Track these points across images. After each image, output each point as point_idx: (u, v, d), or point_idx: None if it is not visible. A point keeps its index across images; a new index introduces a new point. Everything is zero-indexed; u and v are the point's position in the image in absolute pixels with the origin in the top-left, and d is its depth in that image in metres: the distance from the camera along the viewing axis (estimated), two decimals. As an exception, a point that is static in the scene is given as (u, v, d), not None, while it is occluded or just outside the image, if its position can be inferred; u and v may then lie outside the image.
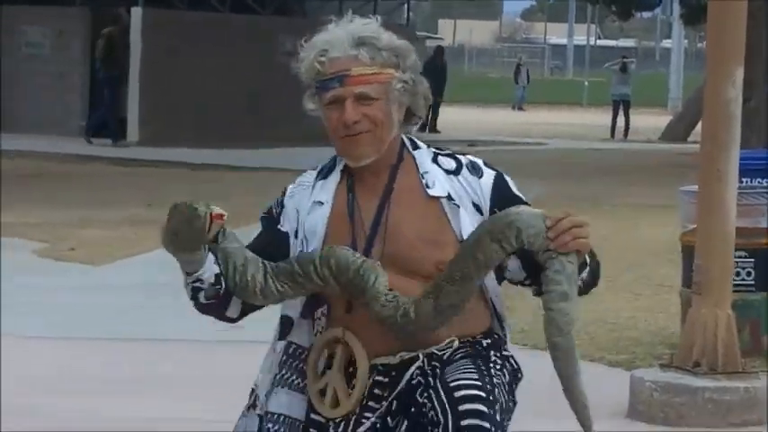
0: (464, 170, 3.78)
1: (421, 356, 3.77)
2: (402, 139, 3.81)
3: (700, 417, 8.29)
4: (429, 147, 3.83)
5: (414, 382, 3.81)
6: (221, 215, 3.56)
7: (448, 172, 3.77)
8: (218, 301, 3.70)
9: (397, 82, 3.69)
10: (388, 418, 3.85)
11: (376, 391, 3.85)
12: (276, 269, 3.67)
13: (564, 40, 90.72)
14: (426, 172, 3.75)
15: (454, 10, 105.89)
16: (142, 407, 8.57)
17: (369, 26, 3.75)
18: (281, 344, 3.89)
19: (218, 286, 3.67)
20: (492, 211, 3.71)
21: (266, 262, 3.67)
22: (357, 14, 4.04)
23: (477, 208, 3.79)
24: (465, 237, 3.71)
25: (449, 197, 3.73)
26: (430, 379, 3.80)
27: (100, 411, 8.44)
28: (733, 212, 8.74)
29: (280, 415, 3.87)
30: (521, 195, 3.80)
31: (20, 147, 24.99)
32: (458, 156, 3.83)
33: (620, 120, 36.34)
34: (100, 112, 27.41)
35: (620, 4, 28.98)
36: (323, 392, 3.80)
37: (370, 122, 3.66)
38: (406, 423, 3.84)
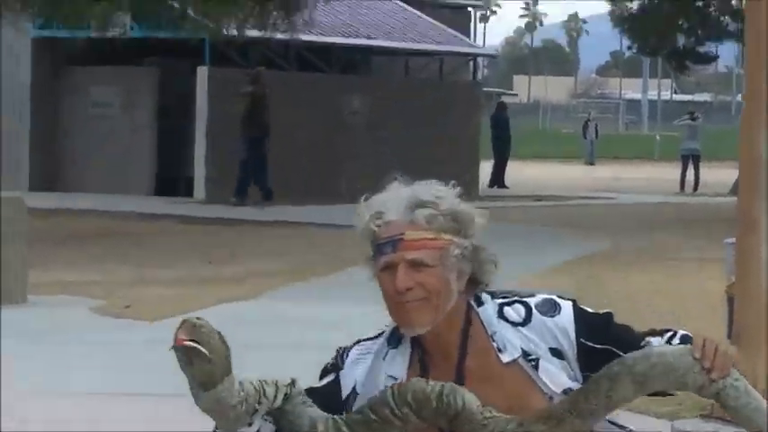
0: (534, 315, 3.48)
1: None
2: (468, 302, 3.52)
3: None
4: (493, 298, 3.53)
5: None
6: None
7: (516, 324, 3.49)
8: None
9: (455, 248, 3.43)
10: None
11: None
12: (349, 420, 3.36)
13: (639, 95, 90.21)
14: (495, 332, 3.48)
15: (530, 66, 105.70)
16: None
17: (429, 189, 3.50)
18: None
19: None
20: (579, 342, 3.46)
21: (335, 417, 3.37)
22: (421, 71, 3.82)
23: (556, 352, 3.51)
24: (554, 389, 3.46)
25: (524, 355, 3.46)
26: None
27: None
28: (765, 263, 8.76)
29: None
30: (601, 312, 3.56)
31: (88, 206, 25.10)
32: (525, 299, 3.52)
33: (691, 174, 36.29)
34: (243, 179, 26.91)
35: (677, 58, 28.79)
36: None
37: (424, 290, 3.39)
38: None
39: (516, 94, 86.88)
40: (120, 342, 12.59)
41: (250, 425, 3.32)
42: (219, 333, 3.21)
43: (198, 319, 3.19)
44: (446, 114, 30.70)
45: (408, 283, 3.37)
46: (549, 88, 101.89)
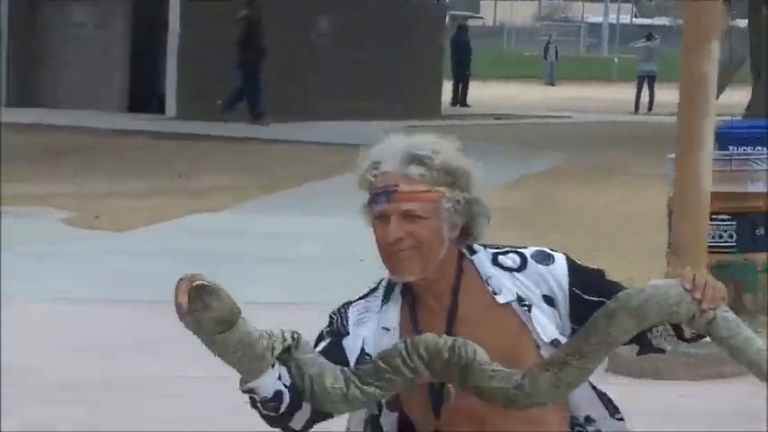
0: (530, 262, 3.51)
1: None
2: (459, 251, 3.54)
3: (675, 371, 8.42)
4: (486, 248, 3.56)
5: None
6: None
7: (511, 270, 3.51)
8: (282, 415, 3.41)
9: (447, 201, 3.43)
10: None
11: None
12: (358, 372, 3.37)
13: (600, 19, 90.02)
14: (490, 277, 3.49)
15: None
16: (160, 365, 8.67)
17: (426, 142, 3.50)
18: None
19: (279, 401, 3.37)
20: (572, 293, 3.49)
21: (344, 368, 3.38)
22: None
23: (549, 299, 3.53)
24: (543, 338, 3.50)
25: (519, 300, 3.48)
26: None
27: (121, 369, 8.55)
28: (707, 178, 8.78)
29: None
30: (593, 267, 3.58)
31: (62, 122, 25.02)
32: (519, 250, 3.56)
33: (646, 95, 36.26)
34: (238, 92, 26.70)
35: None
36: None
37: (415, 240, 3.42)
38: None
39: (482, 18, 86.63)
40: (89, 252, 12.58)
41: (273, 366, 3.30)
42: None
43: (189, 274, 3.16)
44: (410, 35, 30.58)
45: (400, 234, 3.39)
46: (514, 12, 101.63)
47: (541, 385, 3.29)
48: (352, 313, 3.54)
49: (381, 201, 3.41)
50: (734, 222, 9.97)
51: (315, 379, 3.30)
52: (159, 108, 27.71)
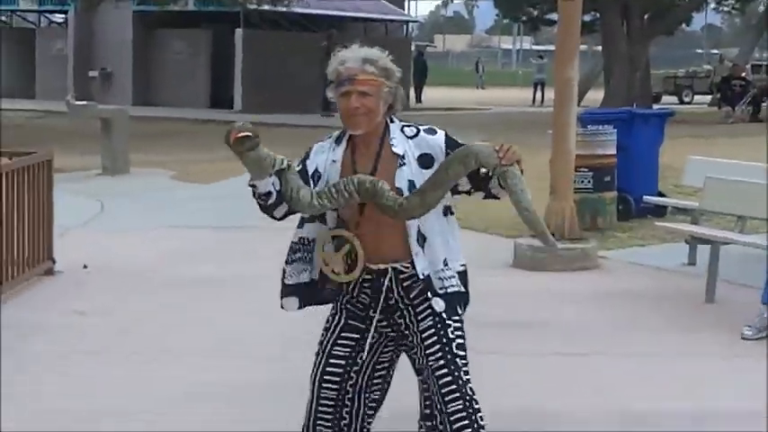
0: (422, 133, 3.71)
1: (390, 270, 3.71)
2: (386, 120, 3.73)
3: (554, 265, 8.32)
4: (400, 121, 3.77)
5: (391, 301, 3.76)
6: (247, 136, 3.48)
7: (408, 137, 3.71)
8: (269, 205, 3.63)
9: (385, 87, 3.66)
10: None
11: (363, 293, 3.79)
12: (318, 191, 3.60)
13: (510, 46, 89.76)
14: (394, 138, 3.69)
15: (444, 28, 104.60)
16: (224, 265, 8.46)
17: (373, 51, 3.73)
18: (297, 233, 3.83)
19: (269, 197, 3.60)
20: (447, 154, 3.66)
21: (311, 188, 3.63)
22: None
23: (428, 157, 3.72)
24: (397, 185, 3.66)
25: (401, 156, 3.68)
26: (399, 298, 3.77)
27: (201, 269, 8.34)
28: (572, 145, 8.80)
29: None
30: (463, 142, 3.72)
31: (167, 115, 24.93)
32: (418, 126, 3.76)
33: (540, 94, 36.11)
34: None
35: (531, 23, 28.52)
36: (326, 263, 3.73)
37: (366, 109, 3.63)
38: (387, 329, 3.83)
39: (435, 46, 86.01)
40: (187, 196, 12.48)
41: (271, 176, 3.56)
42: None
43: (234, 122, 3.56)
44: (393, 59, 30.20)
45: (357, 104, 3.62)
46: (456, 42, 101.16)
47: (412, 204, 3.56)
48: (314, 148, 3.77)
49: (346, 84, 3.64)
50: (591, 173, 9.82)
51: (293, 190, 3.56)
52: (230, 105, 27.50)
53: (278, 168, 3.56)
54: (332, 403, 3.84)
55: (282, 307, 3.88)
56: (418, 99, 33.49)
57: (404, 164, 3.66)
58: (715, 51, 46.82)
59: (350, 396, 3.86)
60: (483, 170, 3.60)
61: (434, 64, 49.49)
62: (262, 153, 3.51)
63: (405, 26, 35.89)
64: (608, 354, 6.21)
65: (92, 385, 5.54)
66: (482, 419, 3.69)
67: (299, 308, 3.86)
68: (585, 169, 9.74)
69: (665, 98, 33.53)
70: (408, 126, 3.74)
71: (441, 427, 3.73)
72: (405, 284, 3.73)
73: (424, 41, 61.79)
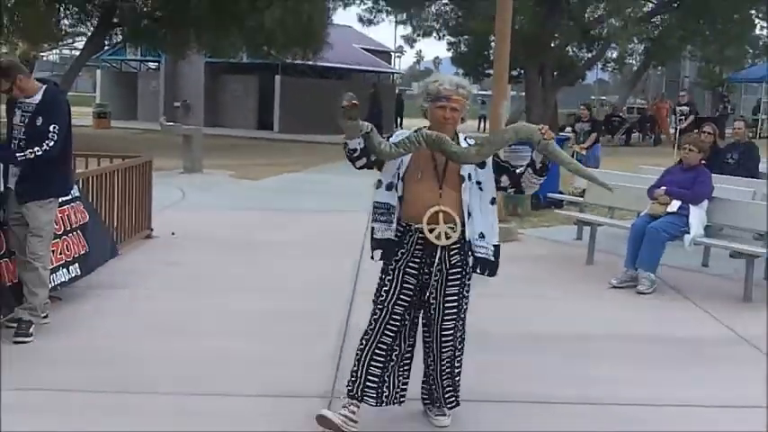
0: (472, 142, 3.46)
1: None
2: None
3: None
4: (462, 134, 3.51)
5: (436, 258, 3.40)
6: (354, 104, 3.23)
7: (469, 145, 3.42)
8: (354, 157, 3.34)
9: (465, 106, 3.47)
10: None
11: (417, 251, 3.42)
12: (395, 142, 3.34)
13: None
14: (461, 142, 3.43)
15: (419, 77, 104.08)
16: (270, 234, 8.25)
17: (462, 79, 3.54)
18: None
19: (355, 152, 3.32)
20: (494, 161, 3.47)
21: (390, 141, 3.38)
22: (369, 79, 3.62)
23: (482, 162, 3.47)
24: (461, 173, 3.38)
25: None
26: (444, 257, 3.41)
27: (255, 235, 8.23)
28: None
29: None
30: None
31: (227, 133, 24.75)
32: (473, 137, 3.54)
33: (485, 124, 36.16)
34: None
35: (479, 76, 28.19)
36: (431, 230, 3.36)
37: (453, 120, 3.42)
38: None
39: (413, 90, 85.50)
40: (243, 188, 12.35)
41: (359, 137, 3.31)
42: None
43: (347, 93, 3.31)
44: (382, 99, 30.04)
45: (449, 115, 3.41)
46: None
47: (471, 152, 3.34)
48: (396, 132, 3.52)
49: (443, 100, 3.41)
50: None
51: (379, 144, 3.32)
52: (271, 127, 27.49)
53: (365, 132, 3.32)
54: (388, 344, 3.43)
55: (372, 258, 3.44)
56: (398, 125, 33.45)
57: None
58: (603, 98, 46.75)
59: (395, 345, 3.45)
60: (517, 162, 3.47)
61: (411, 102, 49.18)
62: (360, 121, 3.30)
63: (391, 75, 36.02)
64: (519, 296, 6.17)
65: (180, 311, 5.51)
66: (462, 350, 3.55)
67: (381, 259, 3.41)
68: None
69: (568, 128, 33.58)
70: (467, 137, 3.52)
71: (430, 341, 3.50)
72: (451, 246, 3.40)
73: (406, 87, 61.43)
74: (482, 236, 3.45)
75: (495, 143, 3.42)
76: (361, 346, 3.47)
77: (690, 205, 6.52)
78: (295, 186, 12.48)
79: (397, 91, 35.75)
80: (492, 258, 3.49)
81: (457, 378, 3.62)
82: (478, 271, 3.47)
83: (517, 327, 5.36)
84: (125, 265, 6.69)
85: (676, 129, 12.89)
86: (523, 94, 26.81)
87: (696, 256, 7.28)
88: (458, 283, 3.48)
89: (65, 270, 5.43)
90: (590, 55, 25.83)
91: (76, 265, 5.59)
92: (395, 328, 3.43)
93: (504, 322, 5.43)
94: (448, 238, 3.35)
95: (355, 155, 3.37)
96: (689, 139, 7.63)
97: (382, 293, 3.44)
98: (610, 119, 26.15)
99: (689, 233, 6.42)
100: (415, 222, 3.40)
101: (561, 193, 10.31)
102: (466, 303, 3.52)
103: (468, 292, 3.52)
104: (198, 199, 11.01)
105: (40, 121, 4.67)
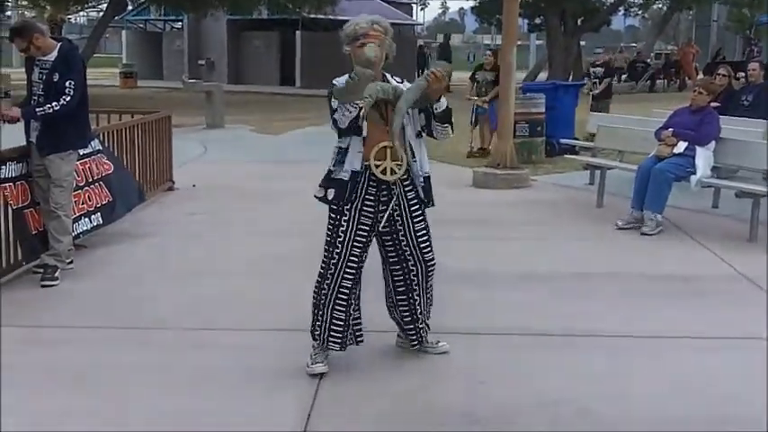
0: (403, 81, 3.44)
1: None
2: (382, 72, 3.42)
3: (500, 184, 8.35)
4: (390, 75, 3.47)
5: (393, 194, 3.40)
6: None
7: (398, 82, 3.42)
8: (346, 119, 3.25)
9: (386, 40, 3.38)
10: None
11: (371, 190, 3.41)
12: (367, 93, 3.22)
13: (489, 42, 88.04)
14: (389, 81, 3.40)
15: (444, 29, 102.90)
16: (285, 183, 8.32)
17: (378, 17, 3.43)
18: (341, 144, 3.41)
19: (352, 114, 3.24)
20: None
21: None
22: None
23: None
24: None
25: (395, 89, 3.33)
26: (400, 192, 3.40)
27: (272, 184, 8.39)
28: (512, 104, 8.70)
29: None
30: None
31: (250, 89, 24.77)
32: (395, 76, 3.48)
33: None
34: None
35: (498, 27, 27.86)
36: (378, 167, 3.34)
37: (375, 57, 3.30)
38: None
39: (438, 42, 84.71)
40: (262, 142, 12.54)
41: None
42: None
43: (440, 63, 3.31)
44: (403, 52, 29.72)
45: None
46: (453, 39, 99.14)
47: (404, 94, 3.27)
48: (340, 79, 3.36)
49: (361, 38, 3.33)
50: (527, 125, 9.95)
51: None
52: (293, 82, 27.52)
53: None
54: (349, 288, 3.45)
55: (325, 196, 3.41)
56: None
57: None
58: (633, 44, 45.87)
59: (355, 287, 3.48)
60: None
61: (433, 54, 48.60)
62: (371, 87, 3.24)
63: (412, 28, 35.59)
64: (524, 239, 6.28)
65: (198, 252, 5.76)
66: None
67: (334, 198, 3.39)
68: (524, 122, 9.91)
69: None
70: (394, 77, 3.47)
71: (415, 278, 3.52)
72: (403, 182, 3.43)
73: (431, 39, 60.64)
74: (422, 168, 3.46)
75: (407, 99, 3.35)
76: (324, 291, 3.45)
77: (696, 146, 6.55)
78: (312, 139, 12.49)
79: (419, 44, 35.35)
80: (428, 189, 3.49)
81: (430, 295, 3.68)
82: (428, 202, 3.51)
83: (518, 266, 5.43)
84: (147, 215, 6.91)
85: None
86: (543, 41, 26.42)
87: (707, 197, 7.34)
88: (421, 216, 3.50)
89: (86, 219, 5.69)
90: (613, 0, 25.38)
91: (98, 214, 5.84)
92: (353, 271, 3.42)
93: (505, 262, 5.52)
94: (393, 173, 3.34)
95: (357, 121, 3.27)
96: (699, 81, 7.64)
97: (339, 234, 3.40)
98: (634, 64, 25.79)
99: (695, 174, 6.47)
100: (366, 161, 3.37)
101: (577, 139, 10.31)
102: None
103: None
104: (219, 153, 11.16)
105: (56, 77, 4.88)
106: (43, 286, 4.92)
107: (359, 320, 3.61)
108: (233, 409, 3.25)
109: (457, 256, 5.38)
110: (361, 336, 3.62)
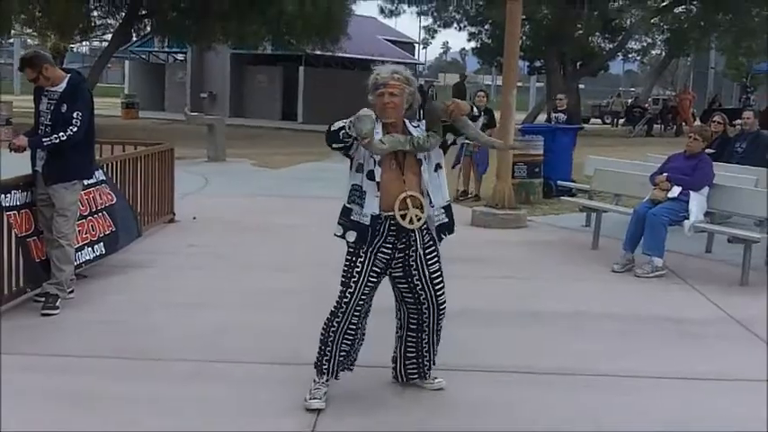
0: (421, 126, 3.50)
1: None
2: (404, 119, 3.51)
3: (498, 224, 8.44)
4: (409, 120, 3.54)
5: (412, 239, 3.50)
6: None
7: (415, 127, 3.49)
8: (345, 142, 3.39)
9: (405, 91, 3.47)
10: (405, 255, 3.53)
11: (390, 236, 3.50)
12: (384, 139, 3.41)
13: (489, 82, 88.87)
14: (409, 128, 3.49)
15: (446, 68, 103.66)
16: (288, 218, 8.39)
17: (400, 67, 3.55)
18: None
19: (351, 140, 3.39)
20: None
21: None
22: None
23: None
24: (421, 157, 3.46)
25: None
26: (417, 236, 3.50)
27: (273, 219, 8.29)
28: (510, 148, 8.71)
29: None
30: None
31: (251, 124, 24.91)
32: (418, 123, 3.54)
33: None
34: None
35: (499, 68, 28.25)
36: (403, 216, 3.44)
37: (393, 104, 3.45)
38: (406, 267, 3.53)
39: (439, 81, 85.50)
40: (263, 176, 12.56)
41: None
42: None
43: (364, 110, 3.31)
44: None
45: (388, 101, 3.45)
46: (453, 79, 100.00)
47: (426, 142, 3.42)
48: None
49: (381, 87, 3.45)
50: (525, 166, 10.05)
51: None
52: (295, 117, 27.77)
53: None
54: (356, 323, 3.57)
55: (344, 237, 3.50)
56: (421, 117, 33.45)
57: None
58: (632, 89, 46.37)
59: (362, 322, 3.62)
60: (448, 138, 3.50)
61: (439, 93, 49.05)
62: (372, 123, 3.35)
63: (415, 67, 35.98)
64: (526, 278, 6.37)
65: (198, 287, 5.80)
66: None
67: (354, 242, 3.47)
68: (522, 163, 10.03)
69: (593, 120, 33.09)
70: (412, 123, 3.52)
71: (427, 319, 3.63)
72: (421, 228, 3.51)
73: (432, 78, 61.17)
74: (433, 206, 3.53)
75: (434, 127, 3.48)
76: (333, 328, 3.56)
77: (690, 191, 6.66)
78: (313, 175, 12.64)
79: (420, 82, 35.71)
80: (446, 220, 3.58)
81: (439, 337, 3.80)
82: (443, 236, 3.61)
83: (514, 305, 5.52)
84: (148, 246, 6.97)
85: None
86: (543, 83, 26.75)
87: (701, 242, 7.44)
88: (436, 258, 3.60)
89: (89, 249, 5.76)
90: (612, 45, 25.78)
91: (101, 244, 5.91)
92: (361, 308, 3.56)
93: (502, 301, 5.61)
94: (419, 220, 3.45)
95: (347, 141, 3.41)
96: (694, 128, 7.80)
97: (354, 275, 3.50)
98: (631, 109, 26.10)
99: (689, 219, 6.58)
100: (385, 211, 3.45)
101: (574, 181, 10.43)
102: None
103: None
104: (220, 186, 11.24)
105: (64, 108, 4.99)
106: (43, 315, 4.97)
107: (357, 351, 3.73)
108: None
109: (455, 294, 5.34)
110: (354, 363, 3.73)
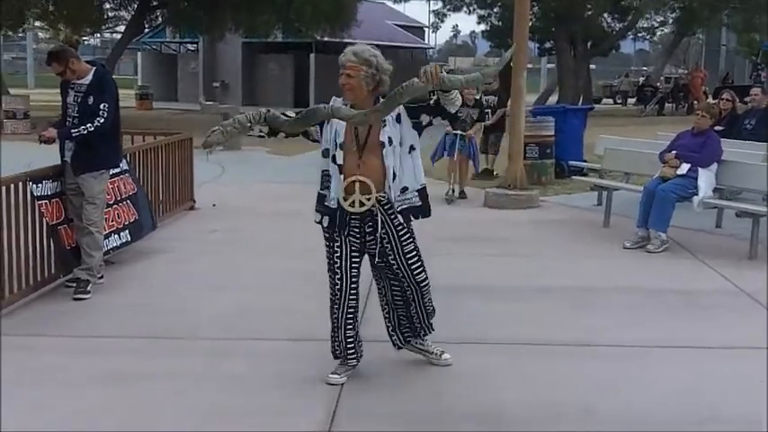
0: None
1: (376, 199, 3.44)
2: (375, 97, 3.46)
3: (510, 205, 8.48)
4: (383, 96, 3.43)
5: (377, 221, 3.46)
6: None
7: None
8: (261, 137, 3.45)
9: (363, 72, 3.42)
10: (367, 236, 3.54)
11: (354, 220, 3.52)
12: (295, 116, 3.39)
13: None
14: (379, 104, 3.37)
15: (456, 52, 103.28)
16: (301, 203, 8.57)
17: (364, 48, 3.48)
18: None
19: (265, 136, 3.47)
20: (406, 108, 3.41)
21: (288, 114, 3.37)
22: (402, 56, 3.51)
23: (398, 117, 3.47)
24: (381, 139, 3.40)
25: (383, 121, 3.43)
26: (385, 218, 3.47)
27: (283, 205, 8.34)
28: (522, 128, 8.90)
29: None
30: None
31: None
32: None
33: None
34: None
35: (503, 46, 28.28)
36: (346, 199, 3.46)
37: (350, 85, 3.42)
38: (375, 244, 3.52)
39: (449, 65, 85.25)
40: (279, 164, 12.69)
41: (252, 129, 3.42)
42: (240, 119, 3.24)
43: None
44: (416, 74, 29.96)
45: (344, 81, 3.44)
46: (464, 62, 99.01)
47: (362, 115, 3.31)
48: (334, 99, 3.50)
49: (341, 68, 3.44)
50: (537, 147, 10.05)
51: (279, 122, 3.41)
52: (306, 104, 27.53)
53: (262, 120, 3.42)
54: (354, 307, 3.65)
55: (320, 222, 3.57)
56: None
57: (385, 125, 3.49)
58: (644, 68, 46.08)
59: (357, 301, 3.67)
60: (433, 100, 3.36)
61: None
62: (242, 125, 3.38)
63: (424, 51, 35.99)
64: (538, 255, 6.45)
65: (220, 267, 5.97)
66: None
67: (328, 226, 3.54)
68: (534, 144, 10.06)
69: (605, 100, 32.78)
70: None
71: (411, 295, 3.66)
72: (385, 208, 3.51)
73: (443, 62, 61.13)
74: (404, 189, 3.48)
75: (389, 103, 3.34)
76: (335, 315, 3.64)
77: (699, 168, 6.77)
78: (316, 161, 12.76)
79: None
80: (418, 203, 3.52)
81: (430, 309, 3.82)
82: (411, 219, 3.54)
83: (527, 281, 5.62)
84: (170, 233, 7.13)
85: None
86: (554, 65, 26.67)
87: (710, 217, 7.51)
88: (410, 240, 3.58)
89: (116, 236, 5.95)
90: (622, 25, 25.67)
91: (127, 231, 6.10)
92: (355, 290, 3.61)
93: (512, 277, 5.71)
94: (362, 205, 3.43)
95: (262, 138, 3.49)
96: (702, 105, 7.87)
97: (335, 260, 3.56)
98: (642, 89, 26.02)
99: (698, 195, 6.68)
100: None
101: (585, 161, 10.47)
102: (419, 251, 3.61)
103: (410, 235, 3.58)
104: (236, 174, 11.33)
105: (91, 100, 5.16)
106: (75, 299, 5.15)
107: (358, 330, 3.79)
108: (262, 409, 3.45)
109: (468, 272, 5.65)
110: (362, 347, 3.80)
